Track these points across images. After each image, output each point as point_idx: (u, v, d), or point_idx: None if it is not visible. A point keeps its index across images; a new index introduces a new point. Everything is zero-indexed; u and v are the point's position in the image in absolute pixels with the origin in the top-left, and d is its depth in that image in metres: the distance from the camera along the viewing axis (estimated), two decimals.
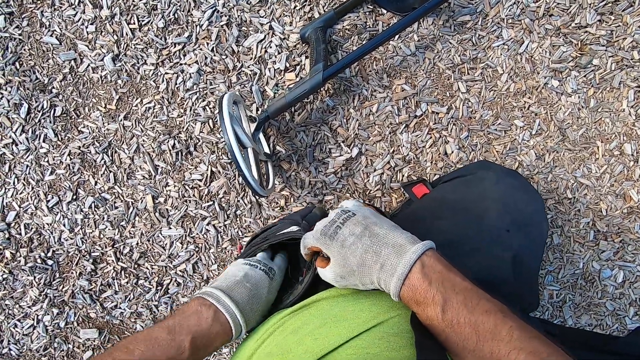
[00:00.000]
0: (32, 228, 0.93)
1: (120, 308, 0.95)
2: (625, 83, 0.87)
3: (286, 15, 0.87)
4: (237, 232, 0.92)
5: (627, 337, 0.55)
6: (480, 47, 0.88)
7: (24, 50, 0.89)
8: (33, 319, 0.96)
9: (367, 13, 0.87)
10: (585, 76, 0.87)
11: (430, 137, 0.89)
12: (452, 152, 0.89)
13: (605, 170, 0.88)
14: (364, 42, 0.88)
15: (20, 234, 0.93)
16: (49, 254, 0.94)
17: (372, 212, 0.47)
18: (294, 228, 0.56)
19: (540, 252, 0.62)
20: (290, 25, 0.87)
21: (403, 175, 0.90)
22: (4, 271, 0.94)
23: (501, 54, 0.88)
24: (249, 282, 0.49)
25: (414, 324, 0.39)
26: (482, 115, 0.88)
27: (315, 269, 0.48)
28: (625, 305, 0.92)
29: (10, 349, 0.97)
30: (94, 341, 0.97)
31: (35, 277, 0.94)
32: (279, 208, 0.91)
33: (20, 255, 0.93)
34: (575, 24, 0.86)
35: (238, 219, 0.92)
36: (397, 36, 0.87)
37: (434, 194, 0.70)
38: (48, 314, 0.95)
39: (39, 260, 0.93)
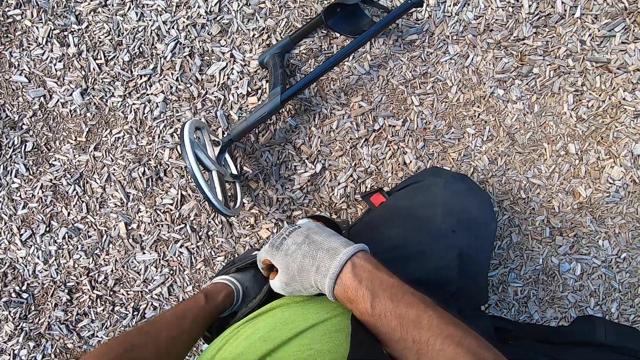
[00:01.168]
0: (5, 263, 0.94)
1: (97, 336, 0.96)
2: (564, 88, 0.94)
3: (246, 43, 0.92)
4: (210, 252, 0.95)
5: (567, 326, 0.58)
6: (430, 62, 0.94)
7: None
8: (9, 355, 0.95)
9: (322, 37, 0.93)
10: (527, 84, 0.94)
11: (389, 149, 0.94)
12: (411, 161, 0.94)
13: (553, 170, 0.94)
14: (320, 64, 0.93)
15: None
16: (24, 287, 0.94)
17: (317, 225, 0.51)
18: (256, 252, 0.60)
19: (489, 248, 0.66)
20: (250, 52, 0.92)
21: (366, 187, 0.94)
22: None
23: (449, 68, 0.94)
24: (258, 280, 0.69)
25: (352, 320, 0.43)
26: (435, 126, 0.94)
27: (268, 283, 0.51)
28: (586, 297, 0.97)
29: None
30: None
31: (10, 312, 0.94)
32: (249, 226, 0.94)
33: None
34: (514, 37, 0.93)
35: (210, 239, 0.95)
36: (351, 57, 0.93)
37: (389, 202, 0.74)
38: (24, 348, 0.95)
39: (13, 295, 0.94)
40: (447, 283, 0.58)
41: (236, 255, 0.95)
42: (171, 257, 0.94)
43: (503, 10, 0.93)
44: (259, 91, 0.93)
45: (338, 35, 0.93)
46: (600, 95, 0.93)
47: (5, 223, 0.93)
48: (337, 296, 0.43)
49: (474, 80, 0.94)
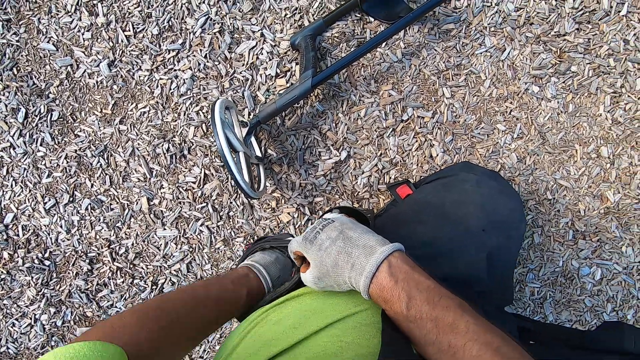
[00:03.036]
0: (29, 230, 0.95)
1: (116, 307, 0.98)
2: (601, 89, 0.91)
3: (277, 23, 0.90)
4: (230, 232, 0.95)
5: (593, 332, 0.58)
6: (464, 54, 0.91)
7: (22, 56, 0.92)
8: (30, 318, 0.98)
9: (355, 21, 0.90)
10: (564, 82, 0.91)
11: (416, 141, 0.92)
12: (437, 155, 0.92)
13: (583, 173, 0.92)
14: (352, 49, 0.91)
15: (17, 236, 0.95)
16: (46, 255, 0.96)
17: (350, 220, 0.51)
18: (290, 238, 0.60)
19: (517, 249, 0.65)
20: (280, 33, 0.90)
21: (390, 178, 0.93)
22: (1, 272, 0.96)
23: (484, 61, 0.91)
24: (280, 264, 0.67)
25: (383, 316, 0.42)
26: (465, 120, 0.92)
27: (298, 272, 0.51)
28: (603, 302, 0.96)
29: (8, 347, 0.99)
30: None
31: (32, 278, 0.96)
32: (270, 209, 0.94)
33: (18, 256, 0.96)
34: (555, 32, 0.90)
35: (231, 220, 0.95)
36: (384, 43, 0.91)
37: (417, 196, 0.73)
38: (45, 313, 0.98)
39: (36, 261, 0.96)
40: (475, 282, 0.57)
41: (255, 237, 0.95)
42: (191, 234, 0.95)
43: (546, 3, 0.89)
44: (288, 73, 0.91)
45: (372, 20, 0.90)
46: (639, 99, 0.90)
47: (30, 190, 0.94)
48: (372, 295, 0.43)
49: (509, 75, 0.91)
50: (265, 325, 0.48)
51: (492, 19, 0.90)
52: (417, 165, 0.93)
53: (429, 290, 0.41)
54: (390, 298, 0.41)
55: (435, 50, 0.91)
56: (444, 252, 0.59)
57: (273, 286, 0.63)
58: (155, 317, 0.44)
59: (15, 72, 0.92)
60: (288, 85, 0.91)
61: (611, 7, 0.88)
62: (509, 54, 0.91)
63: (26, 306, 0.97)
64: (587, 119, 0.91)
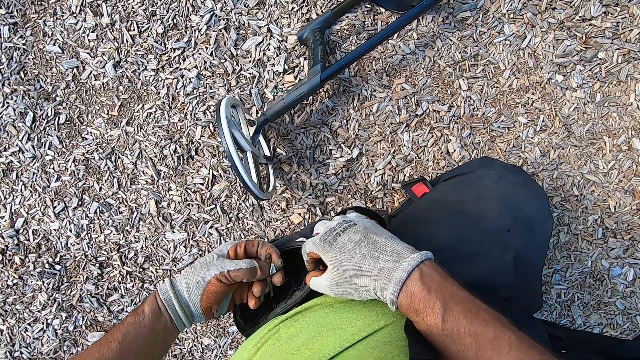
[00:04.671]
0: (39, 234, 0.95)
1: (126, 311, 0.97)
2: (632, 76, 0.84)
3: (284, 17, 0.87)
4: (240, 234, 0.93)
5: (632, 341, 0.53)
6: (482, 43, 0.86)
7: (28, 59, 0.91)
8: (43, 323, 0.98)
9: (365, 12, 0.86)
10: (590, 70, 0.85)
11: (432, 136, 0.88)
12: (454, 150, 0.87)
13: (613, 166, 0.86)
14: (363, 41, 0.87)
15: (28, 240, 0.95)
16: (57, 259, 0.95)
17: (373, 224, 0.47)
18: (302, 239, 0.56)
19: (544, 250, 0.60)
20: (288, 27, 0.87)
21: (404, 175, 0.89)
22: (14, 276, 0.96)
23: (503, 50, 0.86)
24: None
25: (407, 329, 0.39)
26: (484, 113, 0.87)
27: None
28: (636, 304, 0.90)
29: (22, 353, 0.99)
30: None
31: (44, 282, 0.96)
32: (280, 210, 0.91)
33: (29, 261, 0.95)
34: (580, 16, 0.84)
35: (240, 221, 0.92)
36: (396, 35, 0.86)
37: (434, 194, 0.69)
38: (57, 318, 0.97)
39: (47, 266, 0.95)
40: (501, 288, 0.53)
41: (266, 240, 0.92)
42: (200, 237, 0.93)
43: None
44: (296, 69, 0.88)
45: (383, 10, 0.86)
46: None
47: (40, 195, 0.93)
48: (401, 305, 0.39)
49: (530, 64, 0.86)
50: (277, 342, 0.44)
51: (511, 5, 0.85)
52: (433, 161, 0.88)
53: (465, 302, 0.37)
54: (422, 309, 0.38)
55: (451, 40, 0.86)
56: (466, 255, 0.55)
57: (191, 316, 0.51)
58: None
59: (22, 76, 0.91)
60: (296, 81, 0.88)
61: None
62: (529, 41, 0.85)
63: (38, 311, 0.97)
64: (617, 108, 0.85)
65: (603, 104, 0.86)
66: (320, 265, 0.48)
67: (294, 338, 0.43)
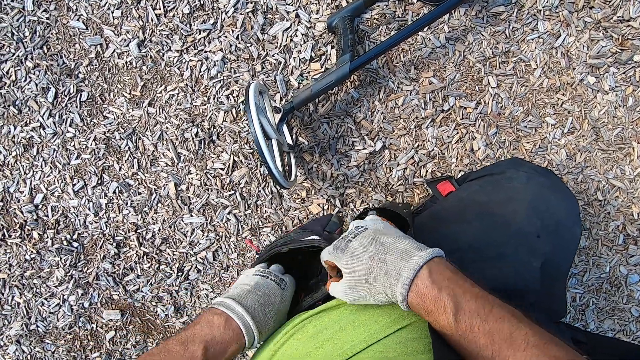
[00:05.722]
0: (58, 211, 0.95)
1: (142, 292, 0.98)
2: None
3: (313, 3, 0.85)
4: (258, 222, 0.93)
5: None
6: (514, 39, 0.84)
7: (52, 34, 0.90)
8: (59, 299, 0.99)
9: (397, 2, 0.84)
10: (624, 73, 0.83)
11: (457, 133, 0.87)
12: (479, 148, 0.86)
13: (639, 173, 0.85)
14: (392, 32, 0.85)
15: (47, 216, 0.95)
16: (75, 237, 0.96)
17: (385, 225, 0.47)
18: (315, 237, 0.56)
19: (572, 257, 0.60)
20: (316, 14, 0.85)
21: (427, 171, 0.88)
22: (32, 251, 0.97)
23: (535, 48, 0.84)
24: (260, 291, 0.49)
25: (431, 328, 0.39)
26: (512, 112, 0.86)
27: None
28: None
29: (37, 326, 1.01)
30: (117, 322, 1.00)
31: (61, 259, 0.97)
32: (300, 200, 0.91)
33: (47, 237, 0.96)
34: (618, 17, 0.82)
35: (259, 209, 0.92)
36: (426, 27, 0.84)
37: (460, 193, 0.68)
38: (73, 294, 0.98)
39: (64, 242, 0.96)
40: (527, 293, 0.53)
41: (284, 229, 0.92)
42: (218, 222, 0.93)
43: None
44: (323, 57, 0.86)
45: (415, 1, 0.84)
46: None
47: (60, 172, 0.93)
48: (412, 305, 0.38)
49: (562, 64, 0.84)
50: (302, 337, 0.44)
51: (547, 2, 0.82)
52: (457, 158, 0.87)
53: (478, 299, 0.36)
54: (434, 309, 0.37)
55: (482, 35, 0.84)
56: (492, 258, 0.54)
57: (253, 318, 0.46)
58: None
59: (46, 51, 0.90)
60: (322, 69, 0.86)
61: None
62: (564, 40, 0.83)
63: (55, 286, 0.98)
64: None
65: (635, 108, 0.84)
66: (339, 272, 0.48)
67: (319, 334, 0.43)
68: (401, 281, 0.38)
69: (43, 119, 0.92)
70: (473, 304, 0.36)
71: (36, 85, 0.90)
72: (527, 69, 0.85)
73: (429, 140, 0.87)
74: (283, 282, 0.52)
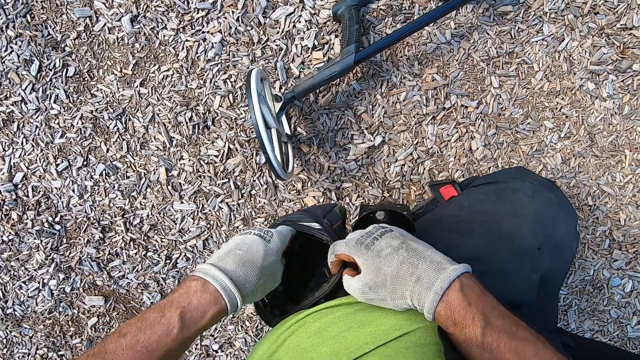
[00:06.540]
0: (40, 191, 0.91)
1: (127, 278, 0.95)
2: None
3: None
4: (251, 212, 0.91)
5: None
6: (519, 41, 0.84)
7: (36, 2, 0.84)
8: (38, 282, 0.95)
9: None
10: (622, 81, 0.84)
11: (457, 131, 0.86)
12: (478, 148, 0.86)
13: (629, 180, 0.87)
14: (398, 24, 0.83)
15: (27, 196, 0.91)
16: (57, 219, 0.92)
17: (407, 232, 0.47)
18: (315, 225, 0.54)
19: (567, 269, 0.61)
20: (321, 0, 0.82)
21: (424, 169, 0.88)
22: (10, 232, 0.92)
23: (539, 50, 0.84)
24: (241, 249, 0.46)
25: (444, 338, 0.38)
26: (512, 113, 0.86)
27: (341, 276, 0.47)
28: (629, 314, 0.93)
29: (14, 310, 0.97)
30: (99, 308, 0.97)
31: (42, 241, 0.92)
32: (295, 191, 0.89)
33: (27, 218, 0.91)
34: (621, 24, 0.82)
35: (252, 198, 0.90)
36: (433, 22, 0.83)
37: (463, 200, 0.67)
38: (54, 279, 0.95)
39: (46, 224, 0.92)
40: (525, 305, 0.54)
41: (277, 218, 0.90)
42: (210, 210, 0.91)
43: None
44: (326, 46, 0.84)
45: None
46: None
47: (42, 150, 0.88)
48: (439, 315, 0.38)
49: (564, 68, 0.84)
50: (304, 334, 0.44)
51: (554, 4, 0.82)
52: (455, 157, 0.87)
53: (505, 317, 0.37)
54: (462, 321, 0.37)
55: (488, 34, 0.83)
56: (496, 271, 0.54)
57: (232, 279, 0.43)
58: None
59: (29, 20, 0.84)
60: (325, 59, 0.84)
61: None
62: (567, 44, 0.83)
63: (34, 270, 0.94)
64: None
65: (630, 117, 0.85)
66: (343, 269, 0.47)
67: (323, 331, 0.42)
68: (434, 290, 0.38)
69: (25, 93, 0.86)
70: (500, 322, 0.37)
71: (18, 56, 0.85)
72: (530, 71, 0.85)
73: (428, 138, 0.86)
74: (268, 234, 0.49)
